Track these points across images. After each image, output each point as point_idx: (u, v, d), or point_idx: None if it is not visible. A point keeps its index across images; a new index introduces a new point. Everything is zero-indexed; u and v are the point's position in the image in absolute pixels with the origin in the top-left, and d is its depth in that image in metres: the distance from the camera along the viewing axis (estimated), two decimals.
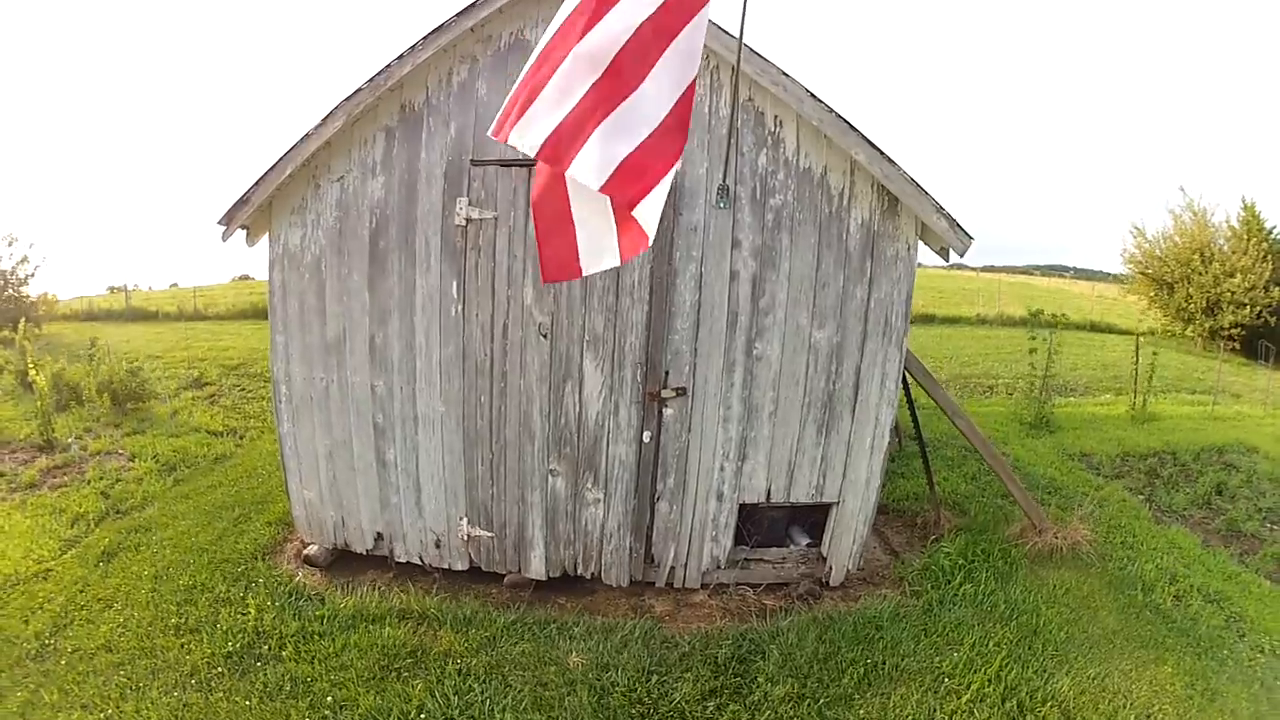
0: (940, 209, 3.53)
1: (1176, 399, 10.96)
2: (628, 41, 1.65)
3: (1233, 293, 14.30)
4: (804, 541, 4.56)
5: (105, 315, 15.98)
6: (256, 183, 3.72)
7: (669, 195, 3.30)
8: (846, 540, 4.30)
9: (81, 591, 4.29)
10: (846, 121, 3.41)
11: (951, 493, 5.84)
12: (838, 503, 4.17)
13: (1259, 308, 14.45)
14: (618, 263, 1.99)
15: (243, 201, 3.73)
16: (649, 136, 1.68)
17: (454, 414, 3.85)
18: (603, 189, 1.66)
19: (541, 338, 3.65)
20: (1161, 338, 16.39)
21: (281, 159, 3.65)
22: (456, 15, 3.43)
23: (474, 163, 3.53)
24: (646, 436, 3.79)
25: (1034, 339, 8.86)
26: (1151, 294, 16.14)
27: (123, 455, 6.93)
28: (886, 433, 4.01)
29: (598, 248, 1.99)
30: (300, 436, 4.13)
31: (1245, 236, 15.27)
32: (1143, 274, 16.24)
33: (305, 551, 4.49)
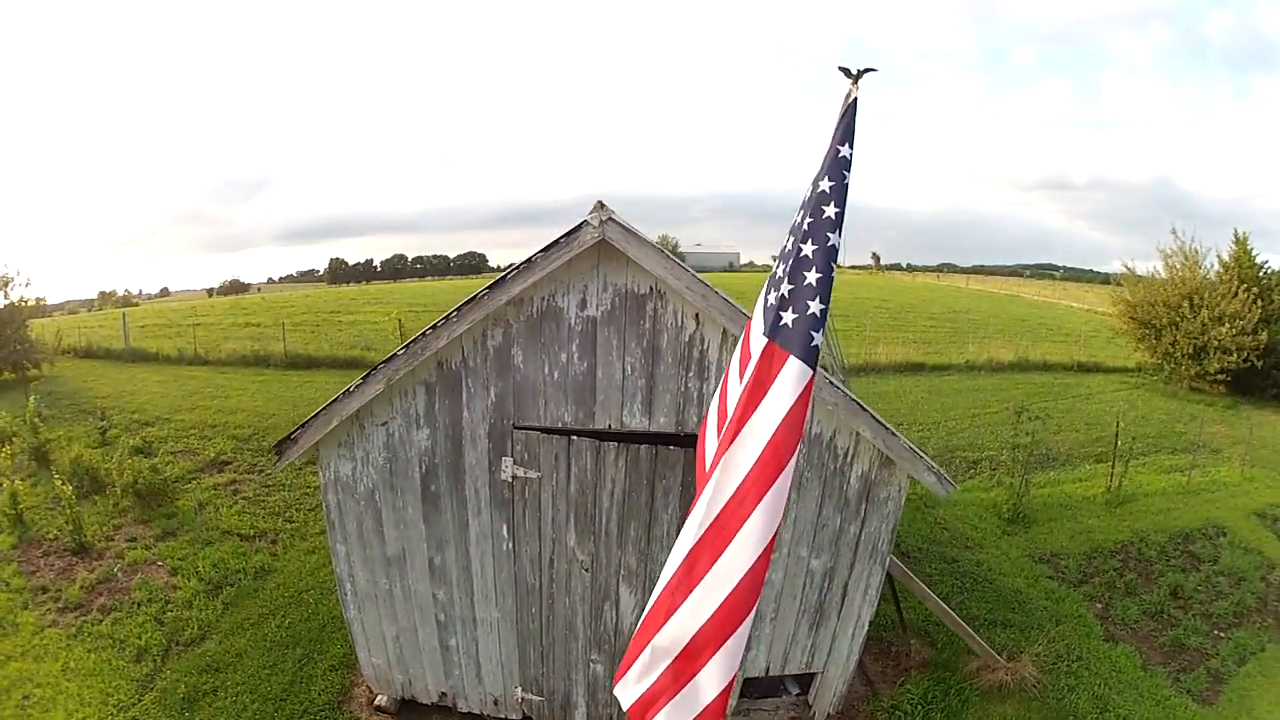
0: (931, 467, 4.48)
1: (1155, 464, 12.08)
2: (694, 635, 2.36)
3: (1219, 340, 15.46)
4: (795, 691, 5.70)
5: (104, 354, 16.54)
6: (303, 425, 4.41)
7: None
8: (828, 695, 5.44)
9: None
10: (858, 403, 4.28)
11: (925, 619, 6.95)
12: (822, 671, 5.26)
13: (1245, 351, 15.63)
14: None
15: (291, 441, 4.45)
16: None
17: (508, 620, 4.85)
18: None
19: (584, 571, 4.61)
20: (1147, 375, 17.56)
21: (326, 409, 4.32)
22: (489, 289, 3.97)
23: (516, 427, 4.35)
24: None
25: (1016, 435, 9.93)
26: (1139, 335, 17.30)
27: (162, 567, 7.81)
28: (866, 624, 5.07)
29: None
30: (367, 621, 5.10)
31: (1237, 279, 16.36)
32: (1131, 318, 17.37)
33: (376, 701, 5.53)
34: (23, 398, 13.70)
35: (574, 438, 4.31)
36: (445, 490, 4.51)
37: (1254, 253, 17.56)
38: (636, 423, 4.27)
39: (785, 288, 2.41)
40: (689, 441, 4.32)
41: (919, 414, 13.19)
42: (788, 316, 2.36)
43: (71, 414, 13.15)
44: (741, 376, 2.52)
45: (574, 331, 4.13)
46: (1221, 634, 7.60)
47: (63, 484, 8.44)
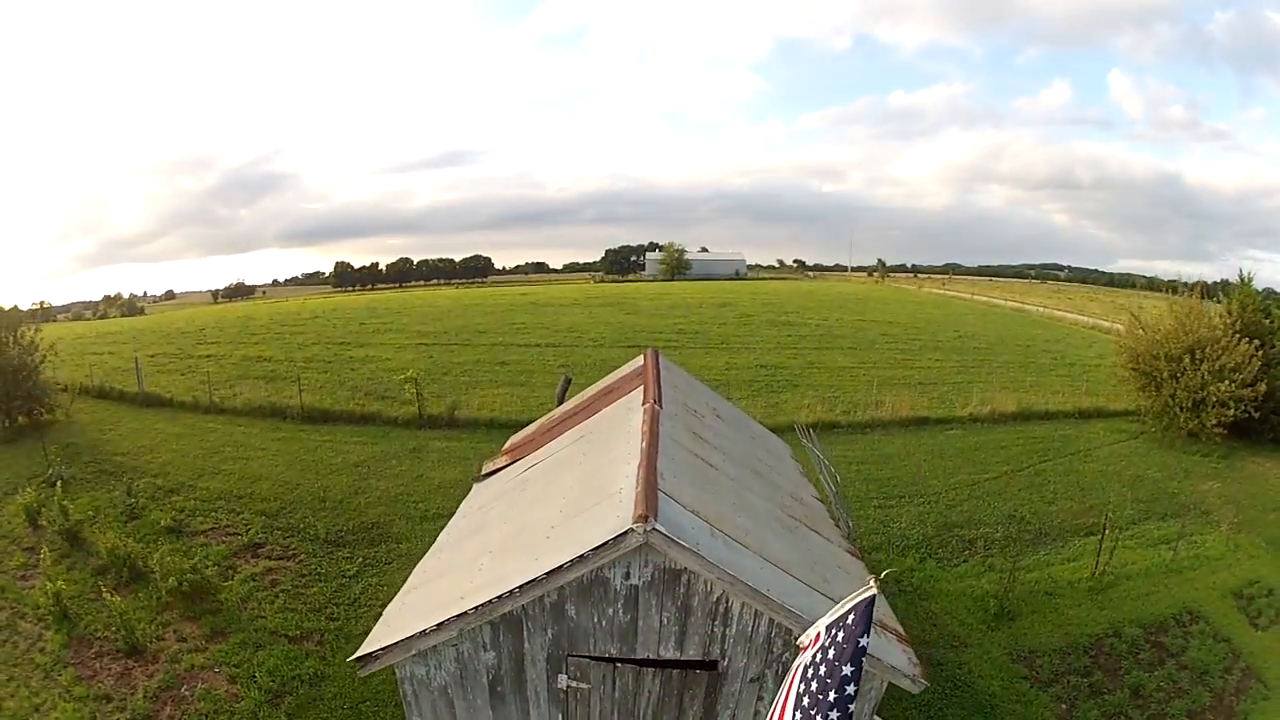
0: (909, 675, 5.66)
1: (1144, 535, 13.33)
2: None
3: (1218, 395, 16.63)
4: None
5: (118, 395, 17.53)
6: (386, 648, 5.58)
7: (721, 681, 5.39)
8: None
9: None
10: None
11: None
12: None
13: (1244, 403, 16.82)
14: None
15: (373, 658, 5.64)
16: None
17: None
18: None
19: None
20: (1146, 422, 18.78)
21: (404, 642, 5.50)
22: (547, 574, 5.15)
23: (569, 655, 5.56)
24: None
25: (1014, 508, 11.15)
26: (1140, 385, 18.47)
27: (220, 674, 9.02)
28: None
29: None
30: None
31: (1239, 328, 17.43)
32: (1134, 368, 18.51)
33: None
34: (40, 448, 14.74)
35: (618, 664, 5.47)
36: (509, 691, 5.73)
37: (1260, 294, 18.61)
38: (670, 654, 5.46)
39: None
40: (713, 666, 5.51)
41: (920, 481, 14.45)
42: None
43: (93, 474, 14.16)
44: None
45: (619, 594, 5.30)
46: None
47: (110, 595, 9.47)
